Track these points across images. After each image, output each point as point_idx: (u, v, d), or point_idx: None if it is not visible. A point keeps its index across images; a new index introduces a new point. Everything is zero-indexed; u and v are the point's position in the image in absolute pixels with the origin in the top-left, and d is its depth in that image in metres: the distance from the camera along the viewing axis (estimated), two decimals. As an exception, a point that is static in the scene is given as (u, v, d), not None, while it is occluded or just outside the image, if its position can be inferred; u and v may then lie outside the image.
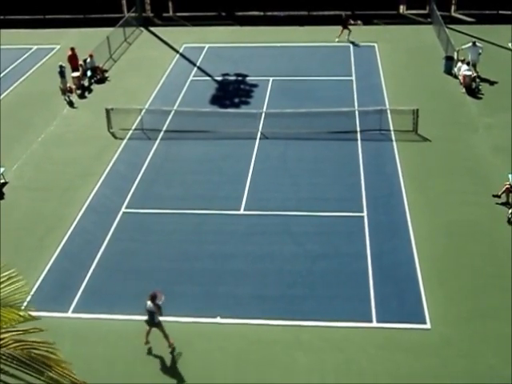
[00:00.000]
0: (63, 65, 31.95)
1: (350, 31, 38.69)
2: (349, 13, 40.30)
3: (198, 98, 31.65)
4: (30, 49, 39.44)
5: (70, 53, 33.88)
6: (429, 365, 16.06)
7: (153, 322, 16.66)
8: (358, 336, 17.05)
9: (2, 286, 9.62)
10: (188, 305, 18.33)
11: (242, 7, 44.00)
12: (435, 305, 17.94)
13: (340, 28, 38.67)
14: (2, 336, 9.30)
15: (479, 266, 19.46)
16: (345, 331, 17.23)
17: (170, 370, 16.30)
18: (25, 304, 17.58)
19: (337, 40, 38.69)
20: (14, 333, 9.48)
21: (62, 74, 31.79)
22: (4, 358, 9.01)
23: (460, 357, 16.28)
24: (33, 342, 9.40)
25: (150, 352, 16.85)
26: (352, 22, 38.93)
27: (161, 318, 16.66)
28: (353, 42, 38.61)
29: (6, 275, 9.85)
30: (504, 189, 22.30)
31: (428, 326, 17.30)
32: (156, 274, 19.66)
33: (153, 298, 16.44)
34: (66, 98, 31.45)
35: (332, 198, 23.12)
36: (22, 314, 9.63)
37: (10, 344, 9.21)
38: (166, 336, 16.76)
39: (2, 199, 23.85)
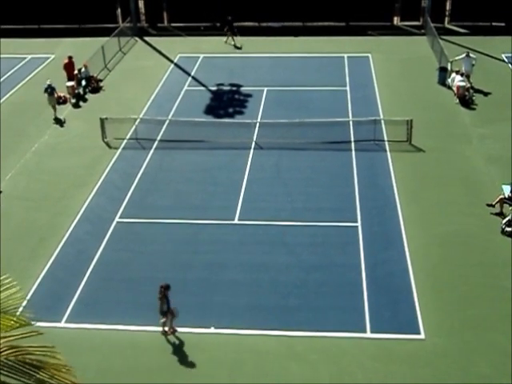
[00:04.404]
0: (52, 84, 30.79)
1: (232, 35, 40.16)
2: (230, 18, 40.76)
3: (193, 108, 31.66)
4: (25, 58, 39.40)
5: (66, 61, 33.88)
6: (423, 375, 16.03)
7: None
8: (352, 347, 17.01)
9: None
10: (182, 315, 18.18)
11: (237, 18, 44.03)
12: (429, 315, 17.93)
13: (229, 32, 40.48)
14: None
15: (473, 276, 19.47)
16: (339, 342, 17.19)
17: (164, 380, 16.20)
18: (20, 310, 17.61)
19: (232, 43, 40.45)
20: (8, 339, 9.36)
21: (50, 91, 30.70)
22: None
23: (454, 367, 16.25)
24: (28, 347, 9.29)
25: (143, 362, 16.76)
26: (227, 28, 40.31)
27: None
28: (236, 46, 40.07)
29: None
30: (498, 199, 22.34)
31: (422, 336, 17.28)
32: (150, 283, 19.48)
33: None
34: (55, 115, 30.56)
35: (326, 208, 23.12)
36: (16, 319, 9.58)
37: (4, 351, 9.09)
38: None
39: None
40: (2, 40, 42.21)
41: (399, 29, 43.43)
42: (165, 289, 17.12)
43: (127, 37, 42.06)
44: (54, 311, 18.55)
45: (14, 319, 9.55)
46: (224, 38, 40.57)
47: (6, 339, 9.32)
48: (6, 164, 26.68)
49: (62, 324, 18.16)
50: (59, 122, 30.34)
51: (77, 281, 19.81)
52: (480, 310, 18.11)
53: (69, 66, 33.80)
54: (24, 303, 18.17)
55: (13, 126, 30.34)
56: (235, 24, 40.83)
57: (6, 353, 9.00)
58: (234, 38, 40.38)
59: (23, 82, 35.87)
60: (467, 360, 16.48)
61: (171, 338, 17.45)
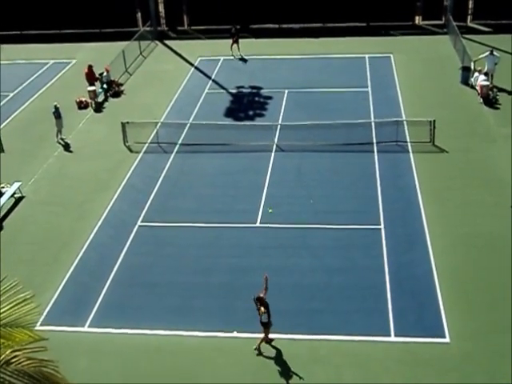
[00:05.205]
0: (58, 105, 29.29)
1: (237, 45, 39.01)
2: (238, 27, 40.28)
3: (214, 111, 31.66)
4: (47, 63, 39.73)
5: (86, 70, 33.97)
6: (448, 379, 15.81)
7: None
8: (376, 350, 16.85)
9: (17, 307, 9.92)
10: (204, 319, 18.22)
11: (257, 20, 44.10)
12: (454, 318, 17.70)
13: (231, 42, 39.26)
14: (16, 354, 9.57)
15: (499, 278, 19.18)
16: (363, 345, 17.04)
17: (187, 385, 16.20)
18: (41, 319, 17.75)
19: (231, 53, 39.16)
20: (25, 351, 9.79)
21: (57, 114, 29.12)
22: (16, 374, 9.27)
23: (480, 371, 16.02)
24: (41, 360, 9.69)
25: (166, 366, 16.73)
26: (235, 38, 39.07)
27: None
28: (240, 58, 38.98)
29: (22, 297, 10.09)
30: (523, 200, 22.04)
31: (447, 340, 17.06)
32: (172, 287, 19.59)
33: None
34: (60, 141, 29.24)
35: (349, 211, 22.96)
36: (31, 334, 9.95)
37: (23, 361, 9.48)
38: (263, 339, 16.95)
39: (19, 213, 23.94)
40: (25, 45, 42.65)
41: (421, 28, 43.10)
42: (259, 300, 16.59)
43: (147, 40, 42.23)
44: (78, 316, 18.60)
45: (31, 334, 9.93)
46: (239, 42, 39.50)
47: (22, 351, 9.74)
48: (29, 169, 26.85)
49: (86, 329, 18.20)
50: (66, 146, 28.95)
51: (100, 285, 19.86)
52: (506, 313, 17.81)
53: (89, 75, 33.91)
54: (45, 312, 18.46)
55: (35, 130, 30.55)
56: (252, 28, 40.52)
57: (26, 363, 9.34)
58: (239, 48, 39.25)
59: (46, 87, 36.11)
60: (493, 364, 16.22)
61: (193, 342, 17.40)
